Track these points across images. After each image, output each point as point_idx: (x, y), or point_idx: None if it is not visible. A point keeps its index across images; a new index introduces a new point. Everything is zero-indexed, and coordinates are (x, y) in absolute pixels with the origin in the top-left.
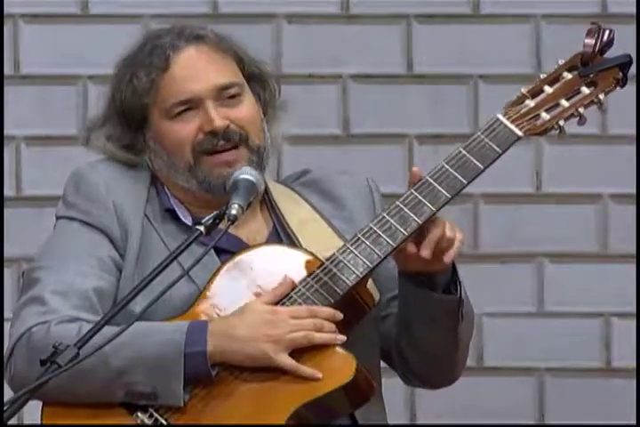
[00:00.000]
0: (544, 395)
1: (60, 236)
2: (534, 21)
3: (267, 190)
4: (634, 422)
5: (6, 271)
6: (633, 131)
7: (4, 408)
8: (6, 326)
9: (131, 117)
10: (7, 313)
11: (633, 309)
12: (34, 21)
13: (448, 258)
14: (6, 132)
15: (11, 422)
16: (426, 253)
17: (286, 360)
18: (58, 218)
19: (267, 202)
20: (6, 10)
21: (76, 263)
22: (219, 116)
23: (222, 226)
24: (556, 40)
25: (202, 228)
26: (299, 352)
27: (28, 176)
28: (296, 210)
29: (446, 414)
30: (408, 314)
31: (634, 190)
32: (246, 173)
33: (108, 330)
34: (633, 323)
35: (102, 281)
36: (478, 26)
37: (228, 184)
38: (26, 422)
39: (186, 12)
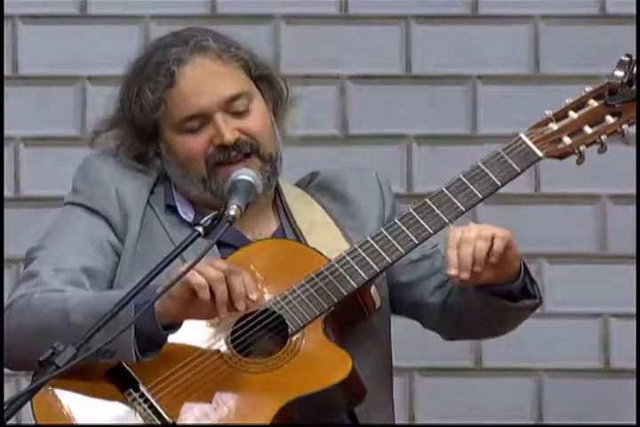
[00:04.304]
0: (543, 395)
1: (62, 220)
2: (533, 22)
3: (279, 191)
4: (634, 422)
5: (6, 272)
6: (632, 131)
7: (4, 408)
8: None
9: (142, 130)
10: None
11: (632, 309)
12: (33, 22)
13: (495, 257)
14: (5, 132)
15: (10, 422)
16: (465, 275)
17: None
18: (65, 204)
19: (278, 203)
20: (5, 10)
21: (72, 244)
22: (228, 130)
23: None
24: (555, 40)
25: (200, 229)
26: (295, 349)
27: (26, 177)
28: (308, 212)
29: (446, 414)
30: (474, 314)
31: (633, 191)
32: (244, 174)
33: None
34: (632, 323)
35: (96, 262)
36: (477, 26)
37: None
38: (24, 422)
39: (184, 13)
